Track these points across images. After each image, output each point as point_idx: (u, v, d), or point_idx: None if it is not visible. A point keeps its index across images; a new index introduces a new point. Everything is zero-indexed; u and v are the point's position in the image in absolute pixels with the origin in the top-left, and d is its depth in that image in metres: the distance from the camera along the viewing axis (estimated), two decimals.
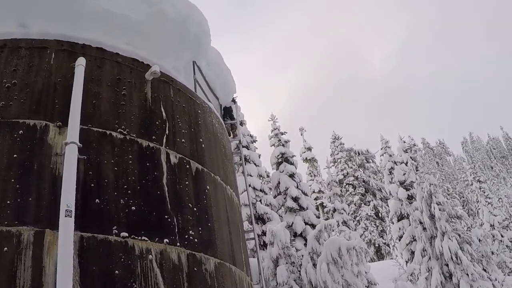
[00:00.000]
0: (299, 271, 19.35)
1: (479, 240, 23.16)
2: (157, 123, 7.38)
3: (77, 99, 6.35)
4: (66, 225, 5.21)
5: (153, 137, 7.15)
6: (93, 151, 6.31)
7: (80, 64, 6.84)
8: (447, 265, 20.03)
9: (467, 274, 19.34)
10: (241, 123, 13.10)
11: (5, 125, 6.11)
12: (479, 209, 45.20)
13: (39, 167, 5.89)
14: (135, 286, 5.67)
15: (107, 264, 5.62)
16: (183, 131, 7.82)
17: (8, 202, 5.50)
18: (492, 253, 25.91)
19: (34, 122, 6.23)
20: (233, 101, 12.65)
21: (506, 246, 31.90)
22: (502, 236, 33.79)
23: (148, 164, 6.81)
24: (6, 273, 5.08)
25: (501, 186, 63.65)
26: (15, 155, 5.88)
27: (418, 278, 22.06)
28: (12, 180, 5.67)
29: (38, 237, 5.37)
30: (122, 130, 6.79)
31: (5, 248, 5.20)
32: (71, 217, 5.26)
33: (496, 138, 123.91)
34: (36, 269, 5.19)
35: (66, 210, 5.27)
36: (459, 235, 20.85)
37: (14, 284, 5.03)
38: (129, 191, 6.31)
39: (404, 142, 38.49)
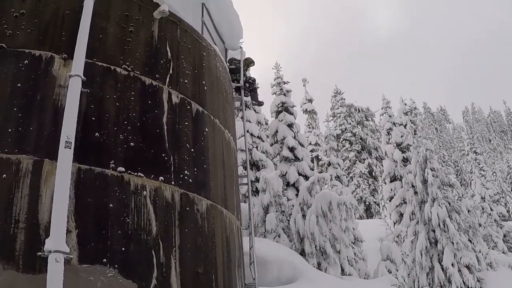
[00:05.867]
0: (288, 220, 19.71)
1: (468, 211, 23.20)
2: (161, 62, 7.37)
3: (84, 32, 6.30)
4: (65, 156, 5.31)
5: (157, 75, 7.17)
6: (96, 85, 6.34)
7: None
8: (433, 231, 20.24)
9: (453, 243, 19.57)
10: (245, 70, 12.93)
11: (11, 54, 6.12)
12: (472, 180, 45.27)
13: (42, 97, 5.94)
14: (128, 220, 5.84)
15: (102, 197, 5.77)
16: (186, 72, 7.83)
17: (10, 130, 5.59)
18: (480, 225, 26.03)
19: (40, 52, 6.23)
20: (239, 47, 12.55)
21: (494, 220, 31.97)
22: (491, 209, 33.78)
23: (149, 102, 6.86)
24: (3, 200, 5.22)
25: (497, 160, 63.39)
26: (19, 84, 5.92)
27: (404, 240, 22.29)
28: (15, 109, 5.73)
29: (36, 166, 5.49)
30: (127, 67, 6.79)
31: (4, 175, 5.32)
32: (70, 148, 5.35)
33: (498, 112, 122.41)
34: (33, 197, 5.33)
35: (66, 141, 5.35)
36: (449, 203, 20.99)
37: (11, 210, 5.18)
38: (128, 127, 6.39)
39: (405, 104, 38.43)
